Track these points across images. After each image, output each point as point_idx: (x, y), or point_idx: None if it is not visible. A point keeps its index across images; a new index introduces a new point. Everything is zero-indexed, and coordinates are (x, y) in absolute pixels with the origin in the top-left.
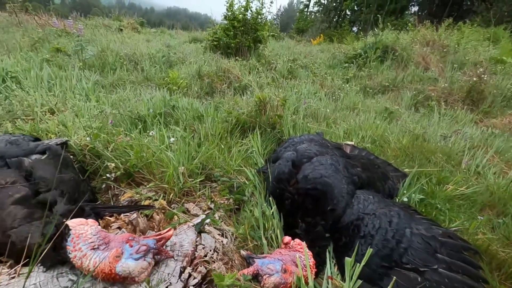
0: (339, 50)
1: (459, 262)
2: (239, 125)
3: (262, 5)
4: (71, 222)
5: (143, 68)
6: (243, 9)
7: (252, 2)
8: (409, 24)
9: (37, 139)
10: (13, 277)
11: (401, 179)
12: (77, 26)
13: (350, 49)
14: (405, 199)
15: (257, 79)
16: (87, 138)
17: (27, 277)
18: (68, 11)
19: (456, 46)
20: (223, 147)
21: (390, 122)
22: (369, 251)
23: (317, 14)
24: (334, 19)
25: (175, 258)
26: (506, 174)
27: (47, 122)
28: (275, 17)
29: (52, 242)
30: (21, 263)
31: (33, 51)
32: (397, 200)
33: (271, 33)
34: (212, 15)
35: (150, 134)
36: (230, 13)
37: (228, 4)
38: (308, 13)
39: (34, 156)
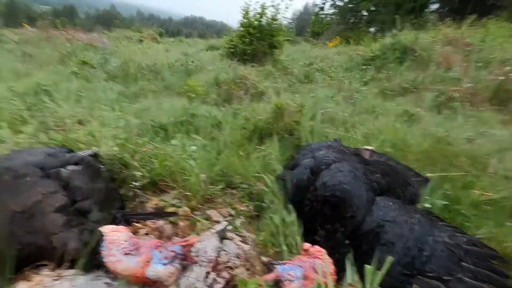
0: (356, 53)
1: (485, 270)
2: (257, 132)
3: (277, 10)
4: (105, 229)
5: (163, 77)
6: (258, 15)
7: (267, 8)
8: (430, 22)
9: (71, 150)
10: (56, 279)
11: (423, 184)
12: (102, 40)
13: (368, 51)
14: (428, 205)
15: (274, 84)
16: (115, 148)
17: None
18: (92, 24)
19: (481, 43)
20: (242, 154)
21: (410, 125)
22: (390, 259)
23: (332, 16)
24: (351, 21)
25: (200, 264)
26: None
27: (76, 132)
28: (290, 21)
29: (89, 247)
30: (62, 267)
31: (61, 64)
32: (418, 206)
33: (287, 38)
34: (228, 22)
35: (173, 143)
36: (245, 20)
37: (243, 12)
38: (323, 16)
39: (70, 167)
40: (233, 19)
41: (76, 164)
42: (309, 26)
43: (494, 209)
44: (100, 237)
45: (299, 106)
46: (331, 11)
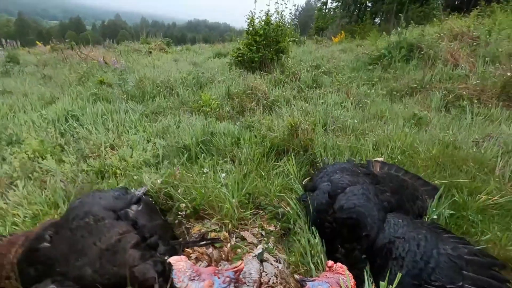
0: (361, 51)
1: (485, 277)
2: (274, 149)
3: (282, 17)
4: (172, 259)
5: (178, 93)
6: (263, 23)
7: (272, 16)
8: (436, 11)
9: (126, 189)
10: None
11: (432, 193)
12: (120, 62)
13: (373, 49)
14: (435, 217)
15: (283, 93)
16: (159, 181)
17: None
18: (99, 36)
19: (488, 37)
20: (263, 173)
21: (419, 129)
22: (399, 275)
23: (336, 10)
24: (355, 13)
25: (247, 284)
26: None
27: (110, 158)
28: (293, 17)
29: (163, 276)
30: None
31: (80, 85)
32: (426, 218)
33: (292, 39)
34: (231, 23)
35: (205, 171)
36: (251, 28)
37: (249, 20)
38: (326, 10)
39: (133, 207)
40: (235, 21)
41: (137, 203)
42: (313, 22)
43: (499, 213)
44: (169, 267)
45: (312, 123)
46: (334, 4)
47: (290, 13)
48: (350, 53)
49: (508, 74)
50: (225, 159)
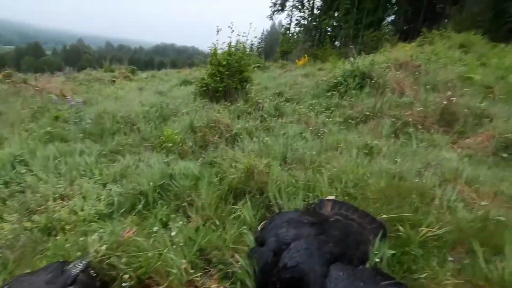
0: (321, 78)
1: None
2: (232, 191)
3: (244, 48)
4: None
5: (139, 128)
6: (226, 54)
7: (234, 48)
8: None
9: (64, 262)
10: None
11: (378, 230)
12: (76, 100)
13: (331, 76)
14: (377, 260)
15: (246, 124)
16: (103, 247)
17: None
18: (60, 61)
19: (427, 65)
20: (217, 222)
21: (372, 158)
22: None
23: (299, 35)
24: (316, 37)
25: None
26: (476, 205)
27: (59, 211)
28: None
29: None
30: None
31: (34, 121)
32: (368, 264)
33: (257, 65)
34: (199, 46)
35: (154, 229)
36: (214, 59)
37: (212, 51)
38: (290, 35)
39: None
40: (203, 42)
41: (72, 284)
42: (278, 46)
43: (438, 244)
44: None
45: (267, 166)
46: (297, 29)
47: (255, 37)
48: (312, 78)
49: (445, 102)
50: (183, 204)
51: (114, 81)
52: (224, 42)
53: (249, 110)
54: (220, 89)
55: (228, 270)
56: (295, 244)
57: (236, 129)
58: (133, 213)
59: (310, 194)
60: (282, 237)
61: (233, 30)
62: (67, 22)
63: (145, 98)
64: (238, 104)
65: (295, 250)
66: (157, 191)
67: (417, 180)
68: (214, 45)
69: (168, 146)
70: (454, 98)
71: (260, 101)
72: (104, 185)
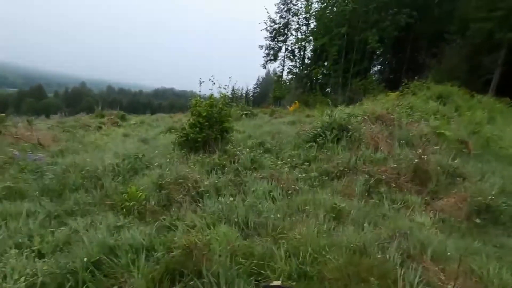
0: (301, 128)
1: None
2: (169, 272)
3: (225, 101)
4: None
5: (104, 184)
6: (207, 106)
7: (215, 100)
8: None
9: None
10: None
11: None
12: (37, 155)
13: (311, 128)
14: None
15: (216, 180)
16: None
17: None
18: (61, 104)
19: (402, 119)
20: None
21: (338, 223)
22: None
23: (291, 82)
24: (308, 84)
25: None
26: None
27: None
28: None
29: None
30: None
31: (1, 174)
32: None
33: (244, 112)
34: (199, 91)
35: None
36: (195, 110)
37: (193, 101)
38: (283, 82)
39: None
40: (202, 88)
41: None
42: (271, 92)
43: None
44: None
45: (207, 244)
46: (290, 76)
47: (251, 86)
48: (298, 126)
49: (416, 160)
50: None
51: (100, 127)
52: (204, 94)
53: (224, 163)
54: (199, 139)
55: None
56: None
57: (204, 186)
58: None
59: (259, 275)
60: None
61: (214, 83)
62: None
63: (125, 147)
64: (214, 157)
65: None
66: (89, 269)
67: (379, 256)
68: (196, 95)
69: (129, 206)
70: (425, 156)
71: (237, 153)
72: (41, 257)
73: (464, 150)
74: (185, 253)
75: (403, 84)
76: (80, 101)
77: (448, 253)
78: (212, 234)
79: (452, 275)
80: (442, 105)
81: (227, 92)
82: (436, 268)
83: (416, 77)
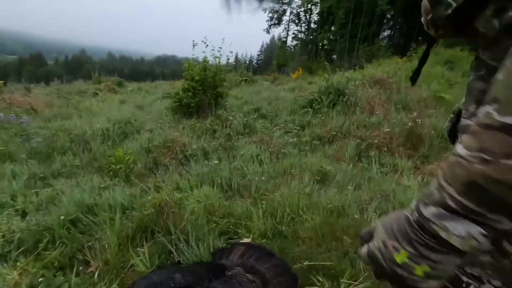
0: (299, 94)
1: None
2: (139, 230)
3: (219, 63)
4: None
5: (92, 148)
6: (201, 69)
7: (209, 62)
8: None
9: None
10: None
11: (286, 285)
12: (22, 117)
13: (308, 93)
14: None
15: (205, 144)
16: None
17: None
18: (61, 71)
19: (402, 83)
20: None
21: (322, 186)
22: None
23: (296, 48)
24: (313, 50)
25: None
26: None
27: None
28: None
29: None
30: None
31: None
32: None
33: (244, 78)
34: (201, 57)
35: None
36: (188, 74)
37: (186, 65)
38: (287, 48)
39: None
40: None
41: None
42: (275, 59)
43: None
44: None
45: (178, 203)
46: (294, 43)
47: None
48: (294, 95)
49: (410, 124)
50: (89, 244)
51: (97, 93)
52: (197, 57)
53: (215, 128)
54: (192, 105)
55: None
56: None
57: (192, 150)
58: (31, 255)
59: (235, 233)
60: None
61: (207, 45)
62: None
63: (120, 113)
64: (205, 122)
65: None
66: (66, 226)
67: (357, 217)
68: (190, 59)
69: (116, 169)
70: (420, 120)
71: (230, 118)
72: (24, 216)
73: None
74: (156, 212)
75: (411, 49)
76: (80, 68)
77: None
78: (194, 195)
79: None
80: (449, 70)
81: (221, 55)
82: None
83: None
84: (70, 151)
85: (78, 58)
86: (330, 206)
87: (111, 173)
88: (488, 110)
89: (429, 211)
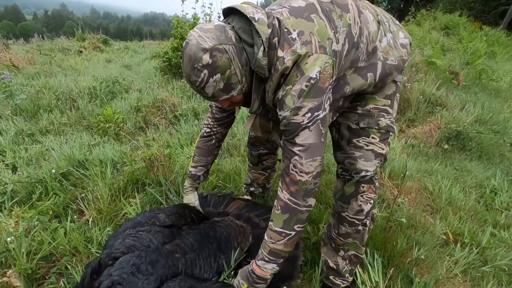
0: None
1: None
2: (131, 183)
3: (210, 21)
4: None
5: (79, 106)
6: (189, 27)
7: (199, 20)
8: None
9: None
10: None
11: None
12: (3, 73)
13: None
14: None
15: (195, 105)
16: None
17: None
18: (41, 27)
19: None
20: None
21: None
22: None
23: None
24: None
25: None
26: (392, 203)
27: None
28: None
29: None
30: None
31: None
32: (224, 276)
33: None
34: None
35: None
36: (176, 33)
37: (175, 22)
38: None
39: None
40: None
41: None
42: None
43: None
44: None
45: (168, 157)
46: None
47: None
48: None
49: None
50: (82, 195)
51: (81, 51)
52: (187, 14)
53: None
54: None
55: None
56: (123, 258)
57: (182, 110)
58: (26, 205)
59: (224, 187)
60: (112, 251)
61: (197, 1)
62: None
63: (107, 72)
64: None
65: (119, 265)
66: (58, 179)
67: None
68: (180, 15)
69: (105, 127)
70: (409, 84)
71: None
72: (14, 170)
73: (453, 81)
74: (147, 166)
75: (409, 13)
76: (62, 25)
77: (407, 173)
78: (184, 152)
79: (405, 190)
80: (446, 36)
81: (211, 12)
82: (391, 184)
83: (428, 7)
84: (56, 109)
85: (59, 13)
86: None
87: (101, 131)
88: None
89: None
